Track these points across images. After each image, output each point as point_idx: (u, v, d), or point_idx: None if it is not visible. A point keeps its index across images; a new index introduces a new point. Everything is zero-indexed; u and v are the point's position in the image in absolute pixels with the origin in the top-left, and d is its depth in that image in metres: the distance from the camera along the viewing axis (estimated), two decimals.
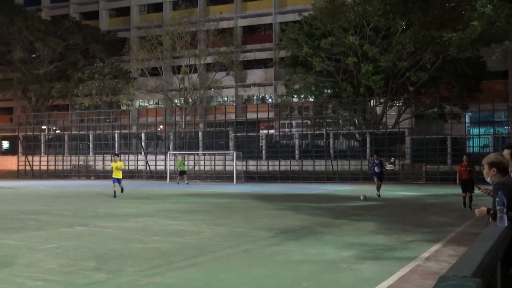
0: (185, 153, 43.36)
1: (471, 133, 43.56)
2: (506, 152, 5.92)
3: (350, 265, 8.57)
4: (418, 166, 39.33)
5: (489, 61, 40.43)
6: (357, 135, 42.70)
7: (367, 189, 29.63)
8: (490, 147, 38.92)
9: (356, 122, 44.10)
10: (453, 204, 19.31)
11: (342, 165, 40.05)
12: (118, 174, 23.30)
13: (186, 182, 36.53)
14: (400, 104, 44.80)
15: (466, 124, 44.55)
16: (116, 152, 36.73)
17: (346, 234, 12.02)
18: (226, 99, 59.70)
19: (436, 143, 39.25)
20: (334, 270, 8.25)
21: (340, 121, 45.36)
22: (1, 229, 12.72)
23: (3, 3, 61.23)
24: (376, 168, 23.23)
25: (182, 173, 37.00)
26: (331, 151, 41.80)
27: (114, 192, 22.90)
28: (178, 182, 36.51)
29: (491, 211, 4.98)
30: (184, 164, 37.82)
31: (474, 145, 40.67)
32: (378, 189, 23.05)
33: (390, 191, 28.26)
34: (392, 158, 39.95)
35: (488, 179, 5.28)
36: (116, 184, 23.07)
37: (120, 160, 24.51)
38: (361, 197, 20.65)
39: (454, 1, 25.74)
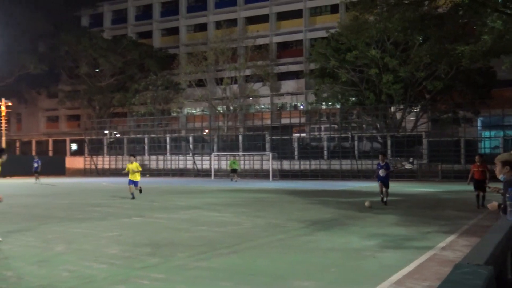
0: (227, 154, 43.55)
1: (483, 136, 42.62)
2: None
3: (373, 253, 8.47)
4: (434, 165, 38.67)
5: (498, 70, 39.47)
6: (379, 138, 42.23)
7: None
8: (500, 148, 38.02)
9: (378, 126, 43.60)
10: (466, 200, 18.90)
11: (366, 164, 39.66)
12: (135, 177, 19.39)
13: (235, 180, 36.20)
14: (418, 110, 44.11)
15: (478, 128, 43.69)
16: (132, 153, 34.92)
17: (370, 226, 11.88)
18: (262, 106, 59.73)
19: (451, 145, 38.56)
20: (358, 257, 8.17)
21: (364, 125, 44.93)
22: (71, 219, 12.97)
23: (71, 26, 62.67)
24: (380, 172, 17.19)
25: (234, 171, 36.96)
26: (356, 152, 41.43)
27: (132, 194, 19.28)
28: (235, 180, 36.19)
29: (502, 206, 4.88)
30: (235, 163, 37.49)
31: (485, 147, 39.75)
32: (383, 195, 17.18)
33: (409, 187, 27.87)
34: (411, 158, 39.42)
35: (500, 176, 5.18)
36: (132, 186, 19.37)
37: (136, 161, 20.43)
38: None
39: (466, 18, 25.20)
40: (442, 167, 37.57)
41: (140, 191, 19.86)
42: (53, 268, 7.28)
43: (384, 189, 17.08)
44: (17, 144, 66.06)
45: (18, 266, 7.42)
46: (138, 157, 49.79)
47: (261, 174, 42.55)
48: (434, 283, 6.26)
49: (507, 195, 4.36)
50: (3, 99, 52.80)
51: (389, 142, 40.31)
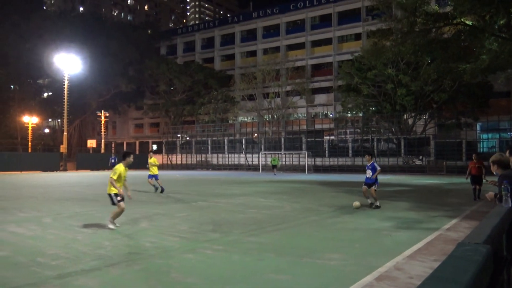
0: (271, 153, 43.51)
1: (481, 138, 40.92)
2: (507, 152, 5.84)
3: (390, 233, 8.26)
4: (440, 162, 37.39)
5: (495, 84, 38.03)
6: (394, 140, 41.22)
7: (401, 178, 28.53)
8: (496, 148, 36.44)
9: (393, 130, 42.56)
10: (467, 190, 18.14)
11: (383, 161, 38.78)
12: (153, 171, 17.33)
13: (274, 173, 35.91)
14: (426, 117, 42.80)
15: (477, 131, 41.97)
16: (151, 150, 32.90)
17: (386, 210, 11.60)
18: (300, 115, 59.37)
19: (454, 145, 37.19)
20: (377, 235, 7.99)
21: (382, 129, 43.95)
22: (152, 203, 13.27)
23: (153, 54, 64.26)
24: (367, 173, 12.36)
25: (274, 166, 36.74)
26: (375, 151, 40.59)
27: (154, 186, 17.23)
28: (274, 173, 35.86)
29: (498, 195, 4.69)
30: (275, 160, 36.92)
31: (483, 147, 38.17)
32: (368, 197, 12.36)
33: (419, 180, 27.07)
34: (420, 156, 38.28)
35: (495, 172, 5.08)
36: (153, 179, 17.42)
37: (153, 157, 18.13)
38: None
39: (467, 41, 24.32)
40: (447, 163, 36.29)
41: (161, 190, 16.67)
42: (139, 240, 7.46)
43: (369, 191, 12.18)
44: (113, 145, 68.29)
45: (113, 237, 7.65)
46: (203, 155, 50.50)
47: (298, 169, 42.32)
48: (440, 258, 6.05)
49: (502, 186, 4.19)
50: (102, 111, 54.74)
51: (402, 143, 39.30)
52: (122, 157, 9.20)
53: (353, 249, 6.85)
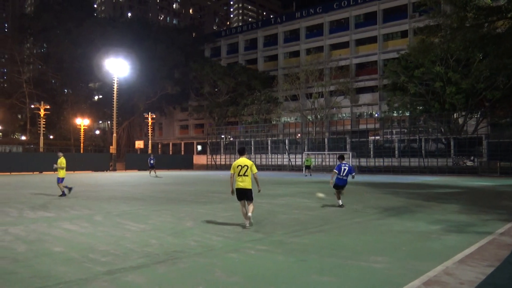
0: (315, 153, 43.13)
1: None
2: None
3: (438, 236, 7.95)
4: (493, 163, 35.61)
5: None
6: (443, 140, 39.71)
7: (451, 180, 27.43)
8: None
9: (442, 130, 41.02)
10: None
11: (431, 162, 37.47)
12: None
13: (306, 174, 34.00)
14: (478, 116, 40.94)
15: None
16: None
17: (435, 213, 11.18)
18: (344, 115, 58.48)
19: (509, 145, 35.28)
20: (425, 239, 7.71)
21: (430, 129, 42.47)
22: (197, 202, 13.47)
23: (198, 57, 65.34)
24: (338, 176, 12.02)
25: (308, 167, 35.19)
26: (423, 151, 39.29)
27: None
28: (309, 174, 34.84)
29: None
30: (309, 160, 35.35)
31: None
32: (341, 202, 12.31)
33: (470, 181, 25.92)
34: (472, 157, 36.63)
35: None
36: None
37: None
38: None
39: None
40: (501, 164, 34.51)
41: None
42: (184, 239, 7.60)
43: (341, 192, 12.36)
44: (159, 146, 70.18)
45: (160, 236, 7.83)
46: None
47: None
48: (493, 263, 5.74)
49: None
50: (149, 113, 56.29)
51: (452, 143, 37.75)
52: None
53: (399, 252, 6.65)
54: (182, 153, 66.25)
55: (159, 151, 68.80)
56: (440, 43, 25.38)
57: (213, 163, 52.27)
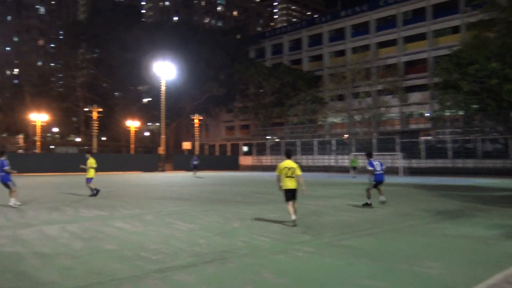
0: (362, 154, 42.25)
1: None
2: None
3: (497, 242, 7.54)
4: None
5: None
6: (501, 140, 37.73)
7: (507, 182, 26.03)
8: None
9: (500, 130, 38.96)
10: None
11: (488, 163, 35.71)
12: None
13: (354, 176, 33.36)
14: None
15: None
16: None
17: (493, 217, 10.61)
18: (392, 114, 56.96)
19: None
20: (483, 244, 7.34)
21: (486, 129, 40.50)
22: (244, 203, 13.56)
23: (242, 58, 65.83)
24: (375, 172, 12.43)
25: (354, 168, 34.22)
26: (479, 152, 37.53)
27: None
28: (354, 176, 33.88)
29: None
30: (355, 161, 34.56)
31: None
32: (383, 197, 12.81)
33: None
34: None
35: None
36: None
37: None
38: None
39: None
40: None
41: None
42: (231, 239, 7.67)
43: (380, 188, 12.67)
44: (206, 147, 71.38)
45: (207, 236, 7.95)
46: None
47: (392, 171, 40.57)
48: None
49: None
50: (196, 114, 57.39)
51: (510, 144, 35.79)
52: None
53: (455, 258, 6.37)
54: (228, 154, 66.97)
55: (206, 151, 69.94)
56: (496, 38, 24.16)
57: (258, 164, 52.48)
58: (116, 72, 67.18)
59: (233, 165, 50.30)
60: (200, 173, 36.05)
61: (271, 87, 59.32)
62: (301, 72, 61.95)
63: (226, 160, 51.61)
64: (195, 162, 32.89)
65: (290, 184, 9.16)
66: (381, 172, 12.50)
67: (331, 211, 11.71)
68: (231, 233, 8.28)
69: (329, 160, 47.29)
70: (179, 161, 44.18)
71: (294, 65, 66.57)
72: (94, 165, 15.61)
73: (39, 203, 13.15)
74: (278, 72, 59.42)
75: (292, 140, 52.90)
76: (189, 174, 32.90)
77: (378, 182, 12.49)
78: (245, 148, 71.37)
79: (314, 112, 56.76)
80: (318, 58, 65.72)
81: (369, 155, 12.71)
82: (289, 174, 9.16)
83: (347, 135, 49.57)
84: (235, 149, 71.30)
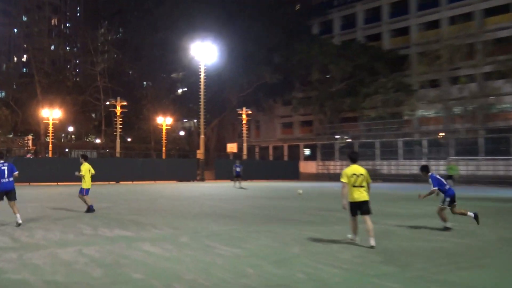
0: (465, 159, 40.87)
1: None
2: None
3: None
4: None
5: None
6: None
7: None
8: None
9: None
10: None
11: None
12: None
13: (449, 186, 31.94)
14: None
15: None
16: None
17: None
18: (506, 105, 54.57)
19: None
20: None
21: None
22: (304, 222, 13.44)
23: (303, 35, 65.60)
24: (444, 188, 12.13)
25: (450, 177, 32.79)
26: None
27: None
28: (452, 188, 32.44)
29: None
30: (452, 168, 32.14)
31: None
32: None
33: None
34: None
35: None
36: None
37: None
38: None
39: None
40: None
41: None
42: (289, 269, 7.60)
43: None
44: (256, 150, 71.73)
45: (258, 264, 7.93)
46: (370, 162, 49.76)
47: (507, 181, 38.80)
48: None
49: None
50: (244, 108, 57.85)
51: None
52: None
53: None
54: (285, 158, 66.99)
55: (257, 155, 70.32)
56: None
57: (324, 171, 52.10)
58: (145, 56, 69.19)
59: (292, 173, 50.22)
60: (245, 183, 36.24)
61: (340, 71, 58.74)
62: (380, 51, 60.89)
63: (282, 167, 51.64)
64: (238, 169, 33.18)
65: (358, 195, 9.33)
66: (448, 186, 12.22)
67: (423, 234, 11.41)
68: (288, 261, 8.23)
69: (418, 166, 46.13)
70: (222, 167, 44.69)
71: (371, 41, 65.58)
72: (89, 172, 15.85)
73: (50, 220, 13.73)
74: (350, 52, 58.74)
75: (368, 141, 52.05)
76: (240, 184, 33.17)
77: (453, 198, 12.00)
78: (306, 151, 71.09)
79: (398, 103, 55.54)
80: (403, 32, 64.31)
81: (425, 170, 12.35)
82: (357, 182, 9.35)
83: (443, 134, 48.06)
84: (294, 152, 71.20)
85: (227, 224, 12.96)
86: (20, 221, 12.36)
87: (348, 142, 55.13)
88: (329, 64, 58.75)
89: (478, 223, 12.33)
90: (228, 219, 14.14)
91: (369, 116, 58.05)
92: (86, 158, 16.35)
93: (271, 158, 70.14)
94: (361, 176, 9.35)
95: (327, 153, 54.22)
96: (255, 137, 79.21)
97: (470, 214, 12.32)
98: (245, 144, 57.21)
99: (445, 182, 12.16)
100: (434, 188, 11.79)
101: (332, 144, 54.75)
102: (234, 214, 15.71)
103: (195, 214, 15.65)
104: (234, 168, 33.60)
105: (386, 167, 48.03)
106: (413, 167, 46.30)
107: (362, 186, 9.34)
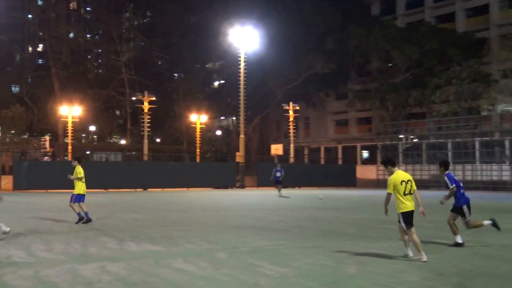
0: None
1: None
2: None
3: None
4: None
5: None
6: None
7: None
8: None
9: None
10: None
11: None
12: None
13: None
14: None
15: None
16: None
17: None
18: None
19: None
20: None
21: None
22: (363, 237, 13.33)
23: (361, 16, 65.04)
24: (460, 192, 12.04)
25: None
26: None
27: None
28: None
29: None
30: None
31: None
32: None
33: None
34: None
35: None
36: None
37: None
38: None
39: None
40: None
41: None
42: None
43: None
44: (305, 152, 71.52)
45: (309, 286, 7.89)
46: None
47: None
48: None
49: None
50: (291, 103, 57.78)
51: None
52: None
53: None
54: (339, 162, 66.58)
55: (305, 158, 70.13)
56: None
57: (386, 177, 51.51)
58: (176, 44, 69.94)
59: (347, 179, 49.92)
60: (289, 191, 36.09)
61: (405, 58, 57.97)
62: (453, 34, 59.82)
63: (336, 172, 51.36)
64: (278, 174, 33.04)
65: (410, 204, 9.77)
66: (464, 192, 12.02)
67: (505, 253, 11.18)
68: (344, 282, 8.18)
69: (500, 171, 45.08)
70: (266, 172, 44.65)
71: (442, 23, 64.55)
72: (81, 175, 15.94)
73: (70, 232, 14.05)
74: (417, 36, 57.91)
75: (439, 141, 51.19)
76: (283, 192, 33.08)
77: (467, 205, 11.93)
78: (364, 153, 70.45)
79: (474, 96, 54.45)
80: (481, 11, 63.05)
81: (445, 165, 12.20)
82: (407, 190, 9.72)
83: None
84: (350, 154, 70.66)
85: (272, 239, 12.97)
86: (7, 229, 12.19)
87: (415, 142, 54.34)
88: (392, 50, 58.04)
89: (499, 229, 12.17)
90: (273, 233, 14.14)
91: (439, 112, 57.05)
92: (79, 160, 16.51)
93: (322, 161, 69.87)
94: (410, 182, 9.75)
95: (390, 156, 53.54)
96: (304, 137, 79.01)
97: (487, 222, 12.20)
98: (292, 145, 57.17)
99: (461, 185, 12.07)
100: (452, 186, 11.62)
101: (395, 145, 54.07)
102: (280, 226, 15.71)
103: (234, 226, 15.72)
104: (273, 172, 33.52)
105: (460, 172, 47.09)
106: (492, 172, 45.39)
107: (411, 194, 9.79)
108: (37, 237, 12.80)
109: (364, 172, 57.77)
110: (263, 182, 44.10)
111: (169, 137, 75.01)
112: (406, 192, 9.68)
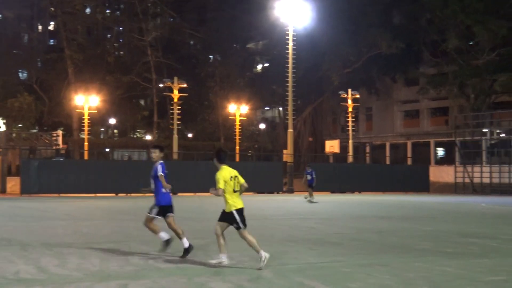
0: None
1: None
2: None
3: None
4: None
5: None
6: None
7: None
8: None
9: None
10: None
11: None
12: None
13: None
14: None
15: None
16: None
17: None
18: None
19: None
20: None
21: None
22: (437, 253, 13.20)
23: None
24: None
25: None
26: None
27: None
28: None
29: None
30: None
31: None
32: None
33: None
34: None
35: None
36: None
37: None
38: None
39: None
40: None
41: None
42: None
43: None
44: (367, 149, 70.97)
45: None
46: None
47: None
48: None
49: None
50: (349, 90, 57.31)
51: None
52: None
53: None
54: (409, 161, 65.92)
55: (367, 157, 69.61)
56: None
57: (467, 180, 50.82)
58: (211, 20, 70.29)
59: (418, 183, 49.38)
60: (318, 197, 35.81)
61: (490, 35, 57.07)
62: None
63: (404, 174, 50.81)
64: (310, 177, 33.29)
65: (241, 200, 10.99)
66: None
67: None
68: None
69: None
70: (319, 174, 44.62)
71: None
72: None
73: (87, 244, 14.25)
74: (505, 7, 56.94)
75: None
76: (337, 197, 33.15)
77: None
78: (440, 151, 69.57)
79: None
80: None
81: None
82: (236, 187, 10.97)
83: None
84: (422, 152, 69.85)
85: (327, 254, 12.95)
86: None
87: (502, 138, 53.44)
88: (474, 25, 57.18)
89: None
90: (328, 247, 14.12)
91: None
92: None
93: (387, 161, 69.22)
94: (237, 178, 10.81)
95: (471, 154, 52.83)
96: (366, 131, 78.57)
97: None
98: (350, 142, 56.89)
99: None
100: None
101: (478, 141, 53.29)
102: (337, 239, 15.68)
103: (281, 239, 15.73)
104: (305, 175, 33.71)
105: None
106: None
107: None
108: (49, 250, 13.02)
109: (439, 174, 57.06)
110: (315, 185, 43.95)
111: (202, 132, 75.30)
112: (236, 189, 10.80)
